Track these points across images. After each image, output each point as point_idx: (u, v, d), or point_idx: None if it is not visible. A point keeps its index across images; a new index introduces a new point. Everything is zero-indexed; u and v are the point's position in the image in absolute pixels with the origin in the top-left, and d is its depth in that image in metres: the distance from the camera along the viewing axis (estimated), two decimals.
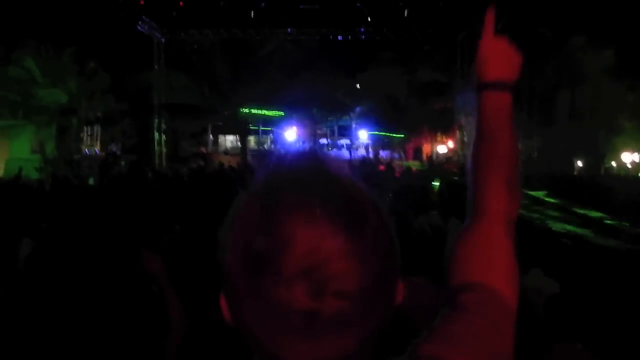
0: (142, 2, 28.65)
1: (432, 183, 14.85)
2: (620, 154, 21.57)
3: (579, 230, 10.36)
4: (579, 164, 22.85)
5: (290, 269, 0.64)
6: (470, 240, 1.03)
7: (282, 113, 30.43)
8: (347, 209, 0.69)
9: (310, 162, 0.75)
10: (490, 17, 1.21)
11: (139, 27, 30.02)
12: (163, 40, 32.24)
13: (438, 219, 5.83)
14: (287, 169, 0.74)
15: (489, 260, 0.98)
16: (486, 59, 1.20)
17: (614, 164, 22.56)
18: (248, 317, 0.69)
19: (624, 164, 21.91)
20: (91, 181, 16.53)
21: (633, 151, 21.39)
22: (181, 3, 28.56)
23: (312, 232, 0.65)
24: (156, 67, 32.17)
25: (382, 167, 24.95)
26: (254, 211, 0.70)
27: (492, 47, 1.21)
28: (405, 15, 25.57)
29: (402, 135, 28.98)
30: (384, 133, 29.96)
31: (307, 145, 28.00)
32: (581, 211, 12.95)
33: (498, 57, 1.19)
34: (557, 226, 10.87)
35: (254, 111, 29.63)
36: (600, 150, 21.65)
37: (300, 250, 0.64)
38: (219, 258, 0.73)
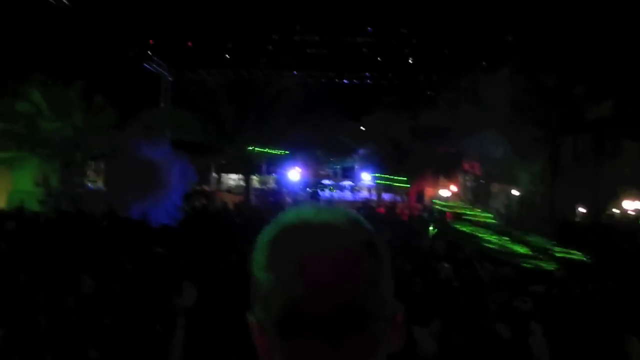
0: (151, 42, 29.19)
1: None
2: (622, 201, 21.65)
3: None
4: (581, 210, 22.93)
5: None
6: None
7: (286, 152, 30.50)
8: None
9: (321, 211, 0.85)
10: None
11: (147, 66, 30.52)
12: (170, 78, 32.70)
13: None
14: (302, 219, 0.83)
15: None
16: None
17: (615, 210, 22.60)
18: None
19: (626, 211, 21.97)
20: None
21: (634, 199, 21.43)
22: (189, 43, 29.08)
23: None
24: (162, 104, 32.54)
25: (381, 210, 24.94)
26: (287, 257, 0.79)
27: None
28: (410, 62, 25.92)
29: (405, 179, 28.97)
30: (386, 176, 29.96)
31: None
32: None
33: None
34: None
35: (257, 150, 29.68)
36: (602, 198, 21.64)
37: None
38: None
